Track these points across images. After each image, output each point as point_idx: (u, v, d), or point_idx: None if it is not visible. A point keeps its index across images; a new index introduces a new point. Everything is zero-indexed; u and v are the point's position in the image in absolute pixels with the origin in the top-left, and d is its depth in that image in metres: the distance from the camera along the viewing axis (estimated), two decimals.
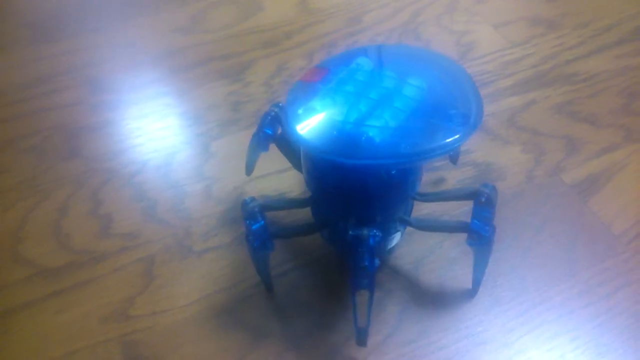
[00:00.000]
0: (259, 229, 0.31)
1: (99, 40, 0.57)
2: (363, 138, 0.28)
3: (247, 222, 0.31)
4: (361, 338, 0.32)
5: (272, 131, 0.36)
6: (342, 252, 0.35)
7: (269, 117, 0.35)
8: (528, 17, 0.56)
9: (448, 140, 0.27)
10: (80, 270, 0.38)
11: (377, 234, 0.29)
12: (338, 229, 0.33)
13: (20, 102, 0.50)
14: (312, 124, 0.29)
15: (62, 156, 0.46)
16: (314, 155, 0.31)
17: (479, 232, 0.31)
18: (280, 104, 0.36)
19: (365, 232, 0.29)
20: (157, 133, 0.47)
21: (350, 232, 0.30)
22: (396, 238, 0.35)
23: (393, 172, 0.30)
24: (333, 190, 0.32)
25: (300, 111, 0.29)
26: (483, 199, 0.31)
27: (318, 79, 0.31)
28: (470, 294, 0.36)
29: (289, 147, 0.36)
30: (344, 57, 0.33)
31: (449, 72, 0.31)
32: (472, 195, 0.32)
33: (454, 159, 0.42)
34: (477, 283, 0.35)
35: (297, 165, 0.36)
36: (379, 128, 0.28)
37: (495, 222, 0.32)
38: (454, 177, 0.42)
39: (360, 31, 0.55)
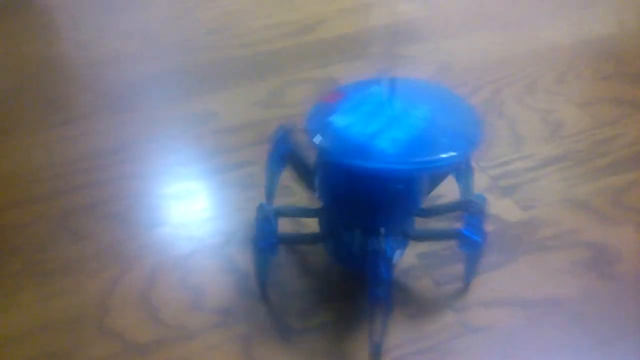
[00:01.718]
0: (269, 231, 0.34)
1: (180, 110, 0.57)
2: (376, 146, 0.30)
3: (260, 224, 0.33)
4: (376, 352, 0.32)
5: (285, 149, 0.37)
6: (345, 264, 0.38)
7: (281, 136, 0.37)
8: (611, 97, 0.56)
9: (451, 154, 0.30)
10: (171, 347, 0.35)
11: (394, 245, 0.32)
12: (344, 241, 0.35)
13: (103, 168, 0.50)
14: (329, 134, 0.31)
15: (145, 224, 0.44)
16: (329, 162, 0.33)
17: (470, 237, 0.34)
18: (291, 123, 0.38)
19: (382, 243, 0.31)
20: (242, 203, 0.46)
21: (369, 244, 0.32)
22: (398, 254, 0.36)
23: (400, 185, 0.32)
24: (343, 199, 0.34)
25: (318, 124, 0.32)
26: (473, 209, 0.34)
27: (336, 100, 0.34)
28: (463, 288, 0.38)
29: (302, 164, 0.37)
30: (359, 84, 0.36)
31: (452, 101, 0.36)
32: (465, 205, 0.35)
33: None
34: (468, 279, 0.38)
35: (309, 184, 0.37)
36: (391, 140, 0.30)
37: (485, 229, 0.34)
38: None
39: None
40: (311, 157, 0.36)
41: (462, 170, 0.40)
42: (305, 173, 0.37)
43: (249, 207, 0.45)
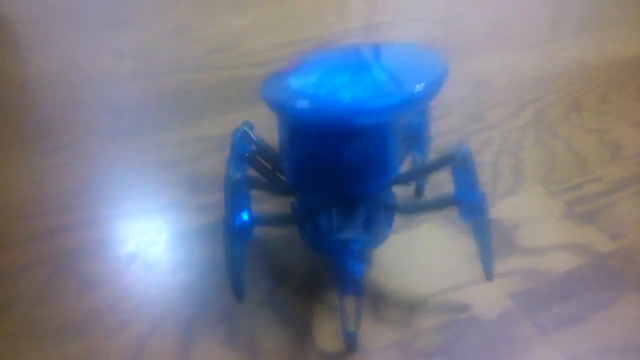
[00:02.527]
0: (243, 208, 0.29)
1: (181, 135, 0.50)
2: (339, 98, 0.27)
3: (232, 199, 0.29)
4: (351, 341, 0.30)
5: (244, 149, 0.33)
6: (323, 252, 0.33)
7: (239, 136, 0.33)
8: None
9: (417, 89, 0.27)
10: None
11: (363, 237, 0.29)
12: (318, 223, 0.31)
13: (107, 201, 0.42)
14: (287, 95, 0.28)
15: (169, 266, 0.36)
16: (291, 125, 0.30)
17: (467, 199, 0.30)
18: (247, 122, 0.35)
19: (350, 235, 0.29)
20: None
21: (335, 237, 0.29)
22: (385, 233, 0.33)
23: (370, 134, 0.29)
24: (310, 168, 0.30)
25: (273, 90, 0.30)
26: (458, 159, 0.29)
27: (291, 68, 0.32)
28: (486, 276, 0.33)
29: (264, 158, 0.34)
30: (316, 52, 0.34)
31: (411, 50, 0.33)
32: (447, 160, 0.31)
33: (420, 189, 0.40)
34: (486, 264, 0.32)
35: (273, 179, 0.34)
36: (354, 91, 0.27)
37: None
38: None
39: (486, 129, 0.50)
40: (274, 153, 0.34)
41: (423, 115, 0.37)
42: (271, 165, 0.34)
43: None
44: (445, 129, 0.50)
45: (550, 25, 0.70)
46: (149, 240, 0.38)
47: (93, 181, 0.44)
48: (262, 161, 0.34)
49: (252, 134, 0.34)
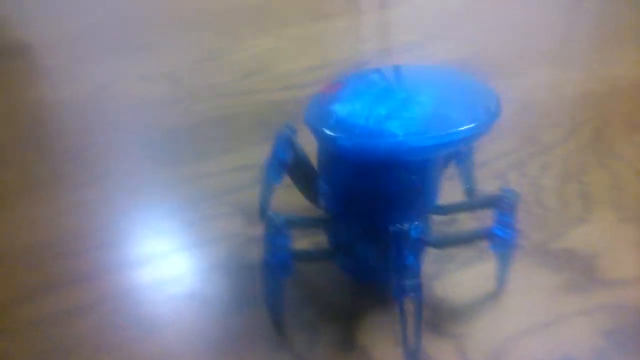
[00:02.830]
0: (282, 246, 0.28)
1: (220, 165, 0.48)
2: (386, 128, 0.26)
3: (271, 238, 0.28)
4: (414, 357, 0.27)
5: (286, 155, 0.33)
6: (364, 278, 0.33)
7: (282, 139, 0.33)
8: None
9: (470, 126, 0.26)
10: None
11: (419, 225, 0.27)
12: (358, 252, 0.30)
13: (130, 246, 0.39)
14: (331, 122, 0.28)
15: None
16: (334, 153, 0.29)
17: (504, 237, 0.30)
18: (291, 125, 0.34)
19: (406, 225, 0.27)
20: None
21: (390, 228, 0.27)
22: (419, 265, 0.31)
23: (416, 167, 0.28)
24: (351, 197, 0.30)
25: (318, 115, 0.29)
26: (505, 205, 0.30)
27: (335, 90, 0.30)
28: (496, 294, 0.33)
29: (303, 170, 0.34)
30: (359, 74, 0.32)
31: (459, 79, 0.31)
32: (494, 201, 0.31)
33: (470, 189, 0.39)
34: (501, 283, 0.34)
35: (310, 193, 0.34)
36: (401, 121, 0.26)
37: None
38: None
39: (544, 151, 0.48)
40: (309, 164, 0.33)
41: (463, 157, 0.37)
42: (308, 180, 0.34)
43: None
44: (498, 152, 0.48)
45: (579, 43, 0.68)
46: (205, 277, 0.36)
47: (133, 215, 0.42)
48: (297, 171, 0.34)
49: (294, 140, 0.33)
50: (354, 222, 0.31)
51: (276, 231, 0.28)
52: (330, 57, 0.67)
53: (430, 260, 0.36)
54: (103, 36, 0.76)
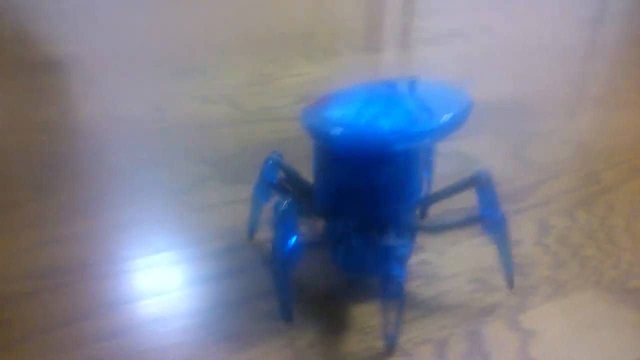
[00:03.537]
0: (291, 234, 0.30)
1: None
2: (375, 126, 0.30)
3: (280, 226, 0.30)
4: (392, 344, 0.31)
5: (273, 178, 0.36)
6: (356, 271, 0.35)
7: (270, 164, 0.36)
8: None
9: (444, 119, 0.30)
10: None
11: (406, 243, 0.31)
12: (351, 244, 0.33)
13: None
14: (327, 124, 0.31)
15: None
16: (333, 152, 0.32)
17: (492, 216, 0.32)
18: (278, 153, 0.37)
19: (394, 241, 0.31)
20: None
21: (381, 243, 0.31)
22: (407, 251, 0.33)
23: (404, 155, 0.31)
24: (349, 191, 0.32)
25: (314, 119, 0.32)
26: (482, 181, 0.32)
27: (325, 102, 0.34)
28: (508, 285, 0.36)
29: (294, 183, 0.37)
30: (345, 89, 0.36)
31: (435, 85, 0.35)
32: (472, 182, 0.33)
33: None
34: (509, 273, 0.35)
35: (303, 202, 0.36)
36: (388, 120, 0.30)
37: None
38: None
39: (607, 191, 0.48)
40: (303, 180, 0.37)
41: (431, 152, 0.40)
42: (300, 191, 0.37)
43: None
44: (561, 190, 0.48)
45: (629, 86, 0.69)
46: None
47: (195, 228, 0.42)
48: (289, 187, 0.37)
49: (281, 162, 0.37)
50: (346, 216, 0.34)
51: (284, 218, 0.30)
52: None
53: (515, 292, 0.36)
54: (158, 57, 0.78)
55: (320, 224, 0.36)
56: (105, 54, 0.78)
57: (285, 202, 0.30)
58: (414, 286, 0.37)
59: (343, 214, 0.33)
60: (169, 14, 1.00)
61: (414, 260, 0.39)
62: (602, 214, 0.45)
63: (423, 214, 0.43)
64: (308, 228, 0.41)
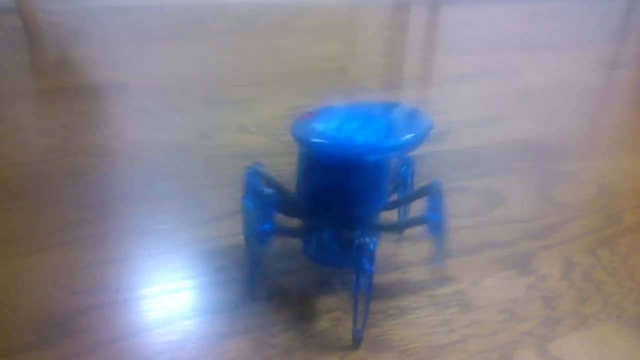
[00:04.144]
0: (267, 219, 0.37)
1: None
2: (351, 139, 0.36)
3: (259, 211, 0.37)
4: (358, 337, 0.37)
5: (257, 185, 0.41)
6: (325, 263, 0.40)
7: (251, 173, 0.41)
8: None
9: (407, 138, 0.37)
10: None
11: (376, 240, 0.35)
12: (323, 239, 0.39)
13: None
14: (312, 135, 0.37)
15: None
16: (313, 157, 0.38)
17: (435, 218, 0.40)
18: (258, 163, 0.42)
19: (367, 239, 0.34)
20: (438, 327, 0.39)
21: (355, 240, 0.35)
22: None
23: (372, 164, 0.38)
24: (326, 193, 0.39)
25: (301, 131, 0.38)
26: (434, 191, 0.40)
27: (310, 117, 0.40)
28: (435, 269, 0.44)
29: (273, 188, 0.41)
30: (329, 106, 0.42)
31: (403, 108, 0.42)
32: (426, 191, 0.40)
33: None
34: (440, 262, 0.44)
35: (288, 209, 0.41)
36: (362, 135, 0.36)
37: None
38: None
39: (628, 231, 0.51)
40: (282, 185, 0.43)
41: (410, 165, 0.45)
42: (281, 199, 0.41)
43: (452, 328, 0.39)
44: (582, 229, 0.51)
45: None
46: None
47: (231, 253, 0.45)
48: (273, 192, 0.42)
49: (261, 171, 0.42)
50: (321, 214, 0.40)
51: (264, 203, 0.37)
52: None
53: (539, 323, 0.39)
54: (199, 86, 0.83)
55: (296, 221, 0.42)
56: (152, 82, 0.83)
57: (265, 192, 0.37)
58: (449, 313, 0.40)
59: (319, 211, 0.40)
60: (210, 46, 1.05)
61: (449, 289, 0.43)
62: (623, 253, 0.48)
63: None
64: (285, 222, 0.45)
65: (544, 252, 0.47)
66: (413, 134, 0.37)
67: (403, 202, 0.44)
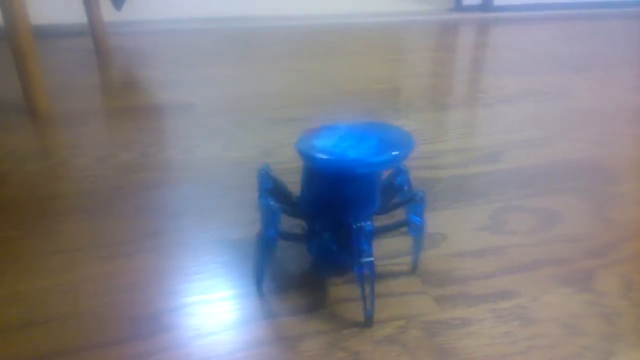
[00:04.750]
0: (274, 224, 0.42)
1: None
2: (347, 154, 0.43)
3: (267, 218, 0.42)
4: (369, 317, 0.42)
5: (267, 183, 0.47)
6: (326, 261, 0.46)
7: (262, 174, 0.47)
8: None
9: (394, 153, 0.43)
10: None
11: (371, 223, 0.41)
12: (324, 240, 0.45)
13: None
14: (314, 150, 0.43)
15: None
16: (314, 169, 0.44)
17: (417, 222, 0.46)
18: (265, 164, 0.48)
19: (362, 223, 0.40)
20: (500, 339, 0.41)
21: (351, 223, 0.41)
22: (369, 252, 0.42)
23: (362, 175, 0.44)
24: (324, 200, 0.45)
25: (305, 145, 0.44)
26: (417, 199, 0.45)
27: (314, 133, 0.47)
28: (412, 270, 0.48)
29: (280, 191, 0.48)
30: (327, 125, 0.49)
31: (391, 128, 0.48)
32: (411, 197, 0.46)
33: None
34: (415, 262, 0.48)
35: (285, 206, 0.47)
36: (356, 151, 0.43)
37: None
38: None
39: None
40: (286, 186, 0.49)
41: (405, 175, 0.50)
42: (286, 198, 0.48)
43: (511, 341, 0.40)
44: (638, 250, 0.52)
45: None
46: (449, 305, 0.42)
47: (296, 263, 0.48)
48: (276, 192, 0.48)
49: (270, 173, 0.48)
50: (324, 220, 0.45)
51: (272, 214, 0.42)
52: (471, 145, 0.74)
53: (600, 338, 0.41)
54: (259, 106, 0.87)
55: (300, 224, 0.48)
56: (216, 102, 0.88)
57: (272, 202, 0.42)
58: (511, 326, 0.42)
59: (319, 216, 0.45)
60: (266, 68, 1.10)
61: (509, 303, 0.44)
62: None
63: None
64: (292, 226, 0.54)
65: (603, 270, 0.49)
66: (397, 151, 0.43)
67: (392, 208, 0.49)
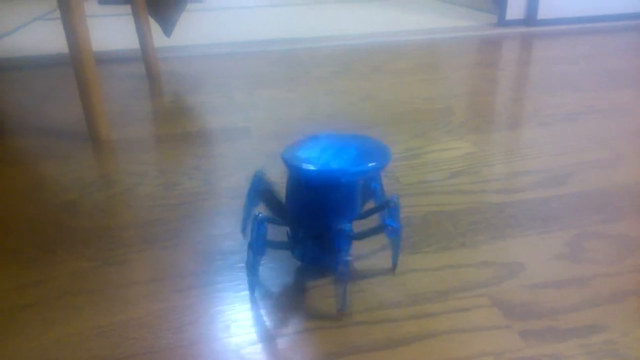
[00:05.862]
0: (262, 235, 0.45)
1: (457, 264, 0.53)
2: (328, 165, 0.46)
3: (255, 229, 0.45)
4: (342, 309, 0.45)
5: (259, 187, 0.51)
6: (311, 264, 0.50)
7: (257, 178, 0.51)
8: None
9: (371, 165, 0.47)
10: None
11: (350, 226, 0.44)
12: (307, 245, 0.48)
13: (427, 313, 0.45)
14: (298, 161, 0.47)
15: None
16: (298, 179, 0.48)
17: (394, 226, 0.49)
18: (262, 169, 0.49)
19: (343, 225, 0.44)
20: None
21: (334, 228, 0.44)
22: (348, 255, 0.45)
23: (344, 184, 0.47)
24: (308, 207, 0.48)
25: (290, 156, 0.48)
26: (392, 204, 0.49)
27: (299, 144, 0.50)
28: (392, 270, 0.51)
29: (272, 197, 0.51)
30: (313, 136, 0.52)
31: (369, 140, 0.52)
32: (387, 203, 0.49)
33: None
34: (395, 261, 0.52)
35: (276, 210, 0.51)
36: (337, 162, 0.47)
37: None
38: None
39: None
40: (278, 191, 0.52)
41: (378, 181, 0.54)
42: (274, 203, 0.51)
43: None
44: None
45: None
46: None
47: (484, 284, 0.47)
48: (267, 196, 0.51)
49: (264, 178, 0.51)
50: (308, 226, 0.48)
51: (259, 224, 0.44)
52: (534, 167, 0.72)
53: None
54: (314, 130, 0.87)
55: (286, 230, 0.52)
56: (270, 126, 0.89)
57: (260, 213, 0.45)
58: None
59: (303, 223, 0.48)
60: (315, 89, 1.10)
61: (599, 338, 0.42)
62: None
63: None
64: (278, 233, 0.57)
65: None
66: (375, 162, 0.47)
67: (370, 213, 0.52)
